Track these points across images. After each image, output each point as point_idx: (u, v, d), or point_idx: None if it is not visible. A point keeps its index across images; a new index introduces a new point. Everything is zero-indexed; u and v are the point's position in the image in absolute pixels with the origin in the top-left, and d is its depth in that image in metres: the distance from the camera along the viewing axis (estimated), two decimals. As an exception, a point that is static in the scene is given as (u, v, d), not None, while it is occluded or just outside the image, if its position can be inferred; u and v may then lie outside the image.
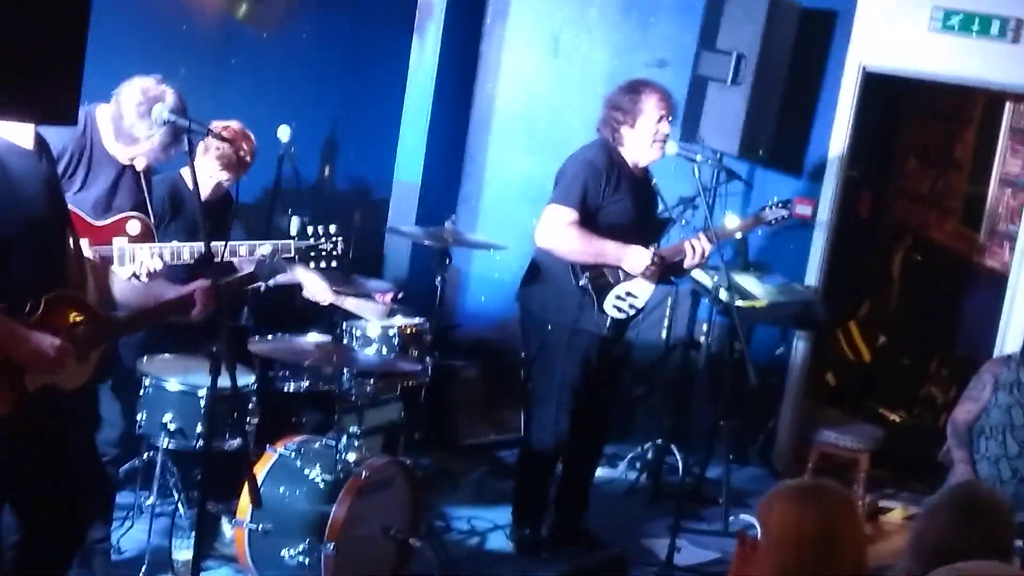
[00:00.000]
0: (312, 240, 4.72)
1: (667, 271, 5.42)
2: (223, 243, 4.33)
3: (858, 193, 9.06)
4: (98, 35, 4.35)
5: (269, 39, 6.00)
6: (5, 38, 2.50)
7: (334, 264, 4.76)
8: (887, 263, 9.42)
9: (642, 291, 5.31)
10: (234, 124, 5.13)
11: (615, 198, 5.25)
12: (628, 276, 5.27)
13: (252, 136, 5.19)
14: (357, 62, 6.69)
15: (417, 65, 7.09)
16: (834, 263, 7.22)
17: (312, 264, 4.69)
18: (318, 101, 6.46)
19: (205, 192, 5.06)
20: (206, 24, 5.59)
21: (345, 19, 6.51)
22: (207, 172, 5.06)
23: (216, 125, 5.01)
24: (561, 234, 5.16)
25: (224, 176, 5.11)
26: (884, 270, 9.42)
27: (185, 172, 5.02)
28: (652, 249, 5.27)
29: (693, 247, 5.33)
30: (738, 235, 6.18)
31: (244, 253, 4.53)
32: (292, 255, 4.62)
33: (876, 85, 7.16)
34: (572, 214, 5.15)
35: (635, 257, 5.22)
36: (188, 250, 4.32)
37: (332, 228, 4.75)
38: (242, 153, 5.09)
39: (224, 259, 4.40)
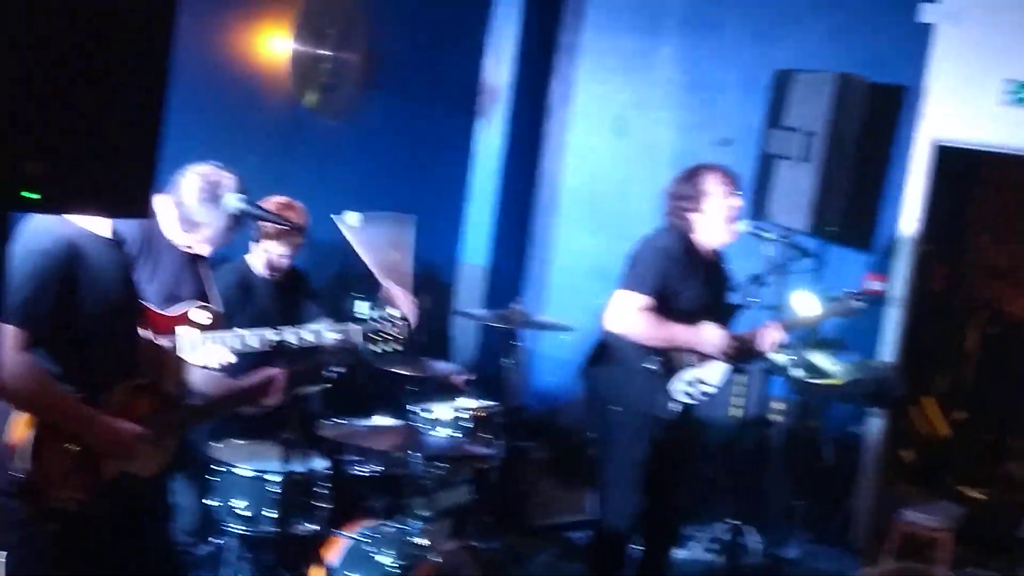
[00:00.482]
0: (379, 324, 4.74)
1: (738, 357, 5.35)
2: (289, 327, 4.33)
3: (932, 267, 8.95)
4: (168, 123, 4.46)
5: (338, 127, 6.07)
6: (80, 130, 2.53)
7: (399, 348, 4.78)
8: (963, 338, 9.26)
9: (713, 376, 5.25)
10: (278, 198, 5.16)
11: (688, 284, 5.21)
12: (701, 360, 5.21)
13: (298, 206, 5.22)
14: (425, 148, 6.75)
15: (483, 148, 7.14)
16: (909, 339, 7.10)
17: (378, 348, 4.71)
18: (385, 185, 6.51)
19: (273, 268, 5.10)
20: (276, 112, 5.68)
21: (412, 106, 6.58)
22: (268, 250, 5.09)
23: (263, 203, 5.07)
24: (632, 319, 5.12)
25: (283, 248, 5.12)
26: (960, 345, 9.26)
27: (250, 258, 5.09)
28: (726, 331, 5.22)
29: (767, 335, 5.28)
30: (812, 324, 6.08)
31: (310, 339, 4.53)
32: (359, 340, 4.64)
33: (948, 159, 7.09)
34: (644, 299, 5.11)
35: (709, 337, 5.17)
36: (258, 339, 4.33)
37: (397, 312, 4.76)
38: (293, 220, 5.11)
39: (295, 345, 4.40)
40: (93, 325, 3.30)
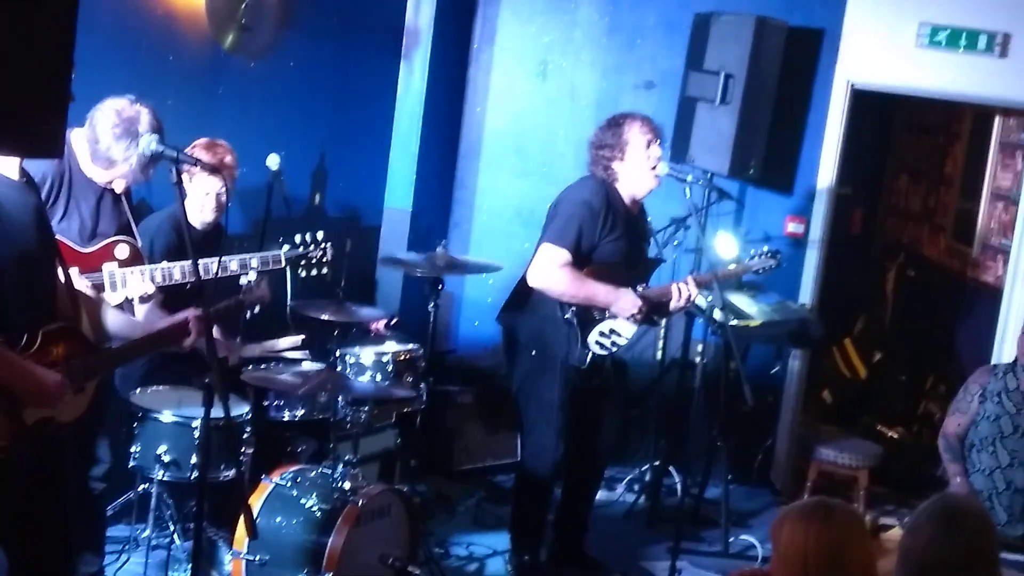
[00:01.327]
0: (301, 248, 4.74)
1: (652, 312, 5.41)
2: (214, 259, 4.29)
3: (850, 210, 9.07)
4: (84, 65, 4.36)
5: (256, 68, 5.99)
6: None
7: (324, 271, 4.78)
8: (880, 280, 9.42)
9: (626, 329, 5.30)
10: (200, 140, 5.09)
11: (609, 237, 5.24)
12: (614, 314, 5.26)
13: (220, 140, 5.16)
14: (345, 90, 6.68)
15: (405, 91, 7.09)
16: (827, 281, 7.22)
17: (303, 272, 4.71)
18: (306, 130, 6.44)
19: (208, 212, 5.02)
20: (193, 54, 5.58)
21: (332, 47, 6.50)
22: (204, 190, 5.00)
23: (187, 149, 4.99)
24: (554, 276, 5.15)
25: (218, 185, 5.03)
26: (878, 287, 9.43)
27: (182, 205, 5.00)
28: (640, 291, 5.26)
29: (680, 291, 5.34)
30: (725, 279, 6.14)
31: (235, 268, 4.51)
32: (283, 266, 4.63)
33: (865, 102, 7.18)
34: (565, 255, 5.13)
35: (624, 302, 5.22)
36: (179, 270, 4.29)
37: (319, 235, 4.76)
38: (220, 154, 5.03)
39: (218, 276, 4.36)
40: (4, 268, 3.23)
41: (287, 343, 5.31)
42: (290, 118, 6.29)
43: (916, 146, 9.72)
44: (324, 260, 4.81)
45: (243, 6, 5.69)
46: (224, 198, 5.00)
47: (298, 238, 4.76)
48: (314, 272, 4.82)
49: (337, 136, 6.69)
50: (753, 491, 7.13)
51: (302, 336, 5.32)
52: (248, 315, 4.59)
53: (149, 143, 3.84)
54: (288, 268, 4.75)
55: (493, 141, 7.49)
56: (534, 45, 7.37)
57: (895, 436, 7.98)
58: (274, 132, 6.07)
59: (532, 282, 5.20)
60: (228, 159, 5.07)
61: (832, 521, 2.83)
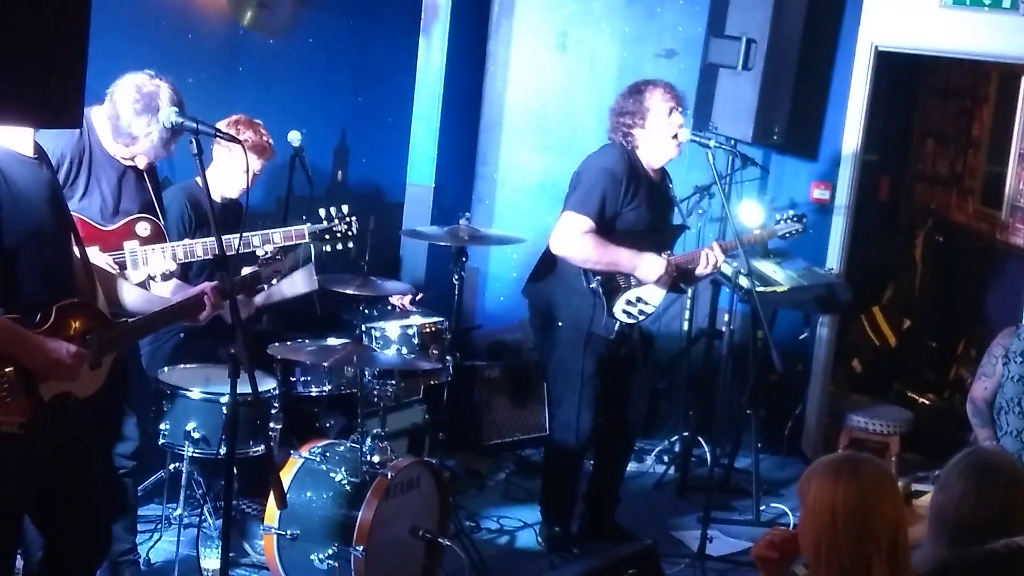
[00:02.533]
0: (325, 222, 4.71)
1: (679, 279, 5.38)
2: (236, 236, 4.28)
3: (876, 178, 8.99)
4: (104, 44, 4.37)
5: (276, 45, 5.98)
6: (5, 42, 2.48)
7: (350, 245, 4.76)
8: (909, 247, 9.34)
9: (653, 297, 5.27)
10: (239, 116, 5.09)
11: (632, 205, 5.21)
12: (640, 282, 5.23)
13: (256, 121, 5.15)
14: (365, 66, 6.66)
15: (425, 67, 7.06)
16: (854, 248, 7.16)
17: (328, 247, 4.68)
18: (327, 106, 6.43)
19: (236, 188, 5.02)
20: (212, 32, 5.57)
21: (351, 23, 6.48)
22: (242, 166, 4.97)
23: (225, 122, 5.00)
24: (576, 242, 5.12)
25: (258, 164, 5.05)
26: (906, 254, 9.34)
27: (199, 179, 4.99)
28: (666, 256, 5.23)
29: (706, 257, 5.31)
30: (751, 245, 6.10)
31: (258, 244, 4.49)
32: (306, 241, 4.61)
33: (889, 65, 7.10)
34: (588, 223, 5.11)
35: (650, 266, 5.18)
36: (201, 247, 4.28)
37: (345, 208, 4.74)
38: (265, 136, 5.07)
39: (240, 252, 4.35)
40: (18, 245, 3.23)
41: (295, 282, 5.25)
42: (310, 95, 6.28)
43: (942, 110, 9.61)
44: (349, 234, 4.78)
45: (262, -17, 5.69)
46: (256, 176, 5.04)
47: (323, 212, 4.74)
48: (339, 247, 4.79)
49: (358, 112, 6.68)
50: (784, 460, 7.10)
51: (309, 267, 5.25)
52: (268, 287, 4.54)
53: (169, 115, 3.83)
54: (312, 243, 4.73)
55: (514, 115, 7.45)
56: (553, 17, 7.33)
57: (926, 402, 7.91)
58: (294, 109, 6.06)
59: (555, 249, 5.18)
60: (270, 139, 5.10)
61: (861, 475, 2.78)
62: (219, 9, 5.57)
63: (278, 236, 4.55)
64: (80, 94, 2.65)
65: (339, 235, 4.75)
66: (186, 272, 4.51)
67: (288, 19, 6.01)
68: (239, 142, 3.90)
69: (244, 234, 4.37)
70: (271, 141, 5.15)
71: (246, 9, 5.71)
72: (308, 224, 4.71)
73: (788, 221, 5.68)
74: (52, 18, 2.57)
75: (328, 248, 4.76)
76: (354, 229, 4.79)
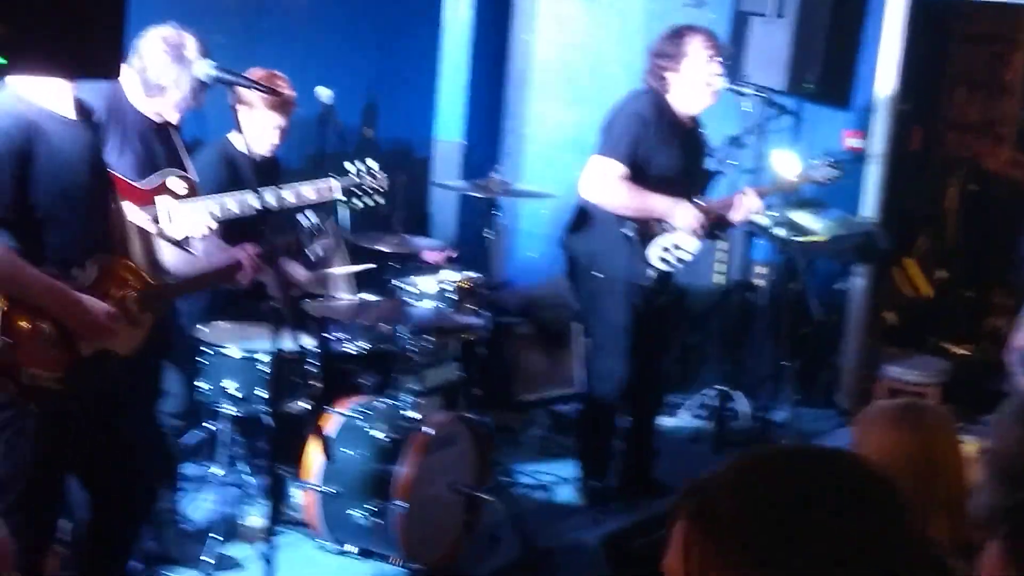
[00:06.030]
0: (355, 177, 4.65)
1: (714, 226, 5.32)
2: (267, 189, 4.23)
3: (909, 127, 8.87)
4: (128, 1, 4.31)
5: (303, 1, 5.92)
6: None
7: (380, 200, 4.70)
8: (942, 196, 9.23)
9: (689, 244, 5.22)
10: (258, 70, 5.01)
11: (663, 149, 5.15)
12: (675, 228, 5.18)
13: (281, 75, 5.07)
14: (390, 22, 6.60)
15: (451, 21, 6.99)
16: (889, 198, 7.07)
17: (358, 202, 4.62)
18: (353, 62, 6.37)
19: (266, 146, 4.96)
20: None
21: (376, -22, 6.42)
22: (265, 124, 4.93)
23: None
24: (608, 188, 5.07)
25: (281, 121, 4.98)
26: (939, 204, 9.24)
27: (233, 136, 4.94)
28: (700, 203, 5.17)
29: (741, 202, 5.25)
30: (786, 190, 6.04)
31: (291, 199, 4.42)
32: (338, 196, 4.55)
33: (922, 11, 6.98)
34: (620, 167, 5.05)
35: (683, 214, 5.13)
36: (236, 203, 4.22)
37: (373, 164, 4.67)
38: (283, 88, 4.99)
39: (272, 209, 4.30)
40: (57, 203, 3.23)
41: (337, 285, 5.27)
42: (337, 51, 6.23)
43: (973, 56, 9.46)
44: (378, 189, 4.73)
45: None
46: (284, 132, 4.97)
47: (350, 167, 4.67)
48: (369, 202, 4.74)
49: (383, 68, 6.62)
50: (820, 412, 7.04)
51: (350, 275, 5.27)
52: (311, 255, 4.50)
53: (205, 68, 3.78)
54: (342, 198, 4.67)
55: (542, 69, 7.38)
56: (580, -32, 7.24)
57: (962, 353, 7.84)
58: (321, 66, 6.00)
59: (584, 195, 5.14)
60: (289, 92, 5.01)
61: (924, 423, 2.74)
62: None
63: (309, 190, 4.49)
64: (119, 45, 2.62)
65: (369, 190, 4.69)
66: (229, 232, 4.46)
67: (314, -26, 5.95)
68: (278, 94, 3.83)
69: (276, 186, 4.31)
70: (293, 94, 5.05)
71: (272, -36, 5.65)
72: (337, 177, 4.64)
73: (824, 167, 5.61)
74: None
75: (359, 204, 4.71)
76: (384, 184, 4.73)
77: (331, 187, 4.56)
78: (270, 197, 4.17)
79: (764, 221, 5.87)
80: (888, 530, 1.36)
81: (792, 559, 1.34)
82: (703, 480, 1.48)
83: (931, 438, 2.71)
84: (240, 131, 3.70)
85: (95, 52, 2.57)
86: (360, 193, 4.68)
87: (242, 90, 4.66)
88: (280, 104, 4.92)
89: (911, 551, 1.37)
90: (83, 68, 2.62)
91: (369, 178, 4.69)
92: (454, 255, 5.98)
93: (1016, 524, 1.79)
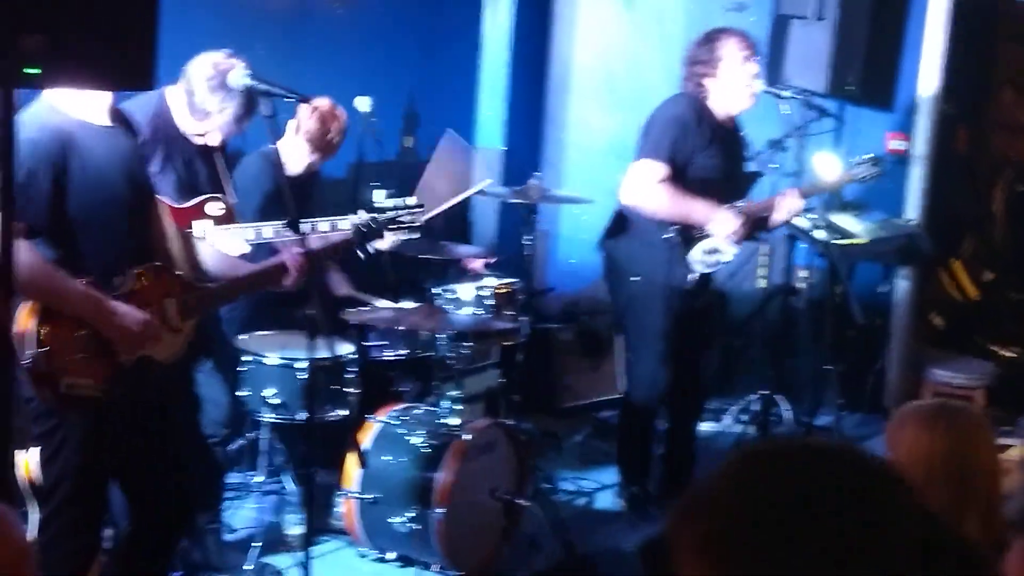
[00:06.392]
0: (392, 212, 4.66)
1: (755, 228, 5.30)
2: (304, 220, 4.27)
3: (954, 129, 8.78)
4: (176, 18, 4.36)
5: (343, 13, 5.97)
6: (78, 7, 2.48)
7: (416, 235, 4.71)
8: (988, 198, 9.12)
9: (729, 247, 5.20)
10: (324, 101, 5.08)
11: (703, 153, 5.14)
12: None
13: (342, 115, 5.14)
14: (430, 31, 6.64)
15: (491, 30, 7.02)
16: (934, 200, 7.00)
17: (393, 235, 4.65)
18: (394, 72, 6.42)
19: (296, 169, 5.04)
20: (281, 1, 5.57)
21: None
22: (297, 153, 5.03)
23: (313, 101, 5.00)
24: (649, 191, 5.07)
25: (313, 158, 5.08)
26: (985, 206, 9.13)
27: (282, 147, 5.01)
28: (740, 206, 5.15)
29: (782, 203, 5.22)
30: (828, 190, 6.00)
31: (326, 229, 4.45)
32: (375, 227, 4.56)
33: (965, 12, 6.90)
34: (661, 170, 5.05)
35: (722, 222, 5.11)
36: (271, 229, 4.27)
37: (412, 200, 4.69)
38: (330, 135, 5.06)
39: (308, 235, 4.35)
40: (94, 212, 3.28)
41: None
42: (378, 61, 6.28)
43: (1020, 57, 9.36)
44: (415, 224, 4.71)
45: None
46: (314, 166, 5.06)
47: (390, 202, 4.62)
48: (405, 236, 4.72)
49: (425, 78, 6.66)
50: (865, 417, 6.97)
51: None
52: (362, 254, 4.52)
53: (240, 76, 3.81)
54: (380, 228, 4.68)
55: (582, 75, 7.38)
56: (619, -26, 7.24)
57: (1010, 355, 7.74)
58: (363, 76, 6.06)
59: (626, 199, 5.14)
60: (335, 140, 5.09)
61: (958, 424, 2.70)
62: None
63: (345, 224, 4.49)
64: (152, 56, 2.64)
65: (404, 225, 4.69)
66: None
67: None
68: (306, 100, 3.85)
69: (313, 220, 4.33)
70: (334, 141, 5.11)
71: (312, -24, 5.70)
72: (371, 214, 4.63)
73: (864, 165, 5.56)
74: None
75: (394, 236, 4.71)
76: (420, 220, 4.71)
77: (367, 222, 4.57)
78: (306, 228, 4.20)
79: (805, 224, 5.83)
80: (890, 527, 1.34)
81: (792, 561, 1.32)
82: (702, 483, 1.46)
83: (965, 439, 2.68)
84: (275, 141, 3.73)
85: (129, 63, 2.60)
86: (396, 227, 4.68)
87: (299, 109, 4.79)
88: (317, 145, 4.99)
89: (920, 545, 1.34)
90: (117, 79, 2.65)
91: (406, 212, 4.69)
92: (493, 261, 5.99)
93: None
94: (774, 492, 1.35)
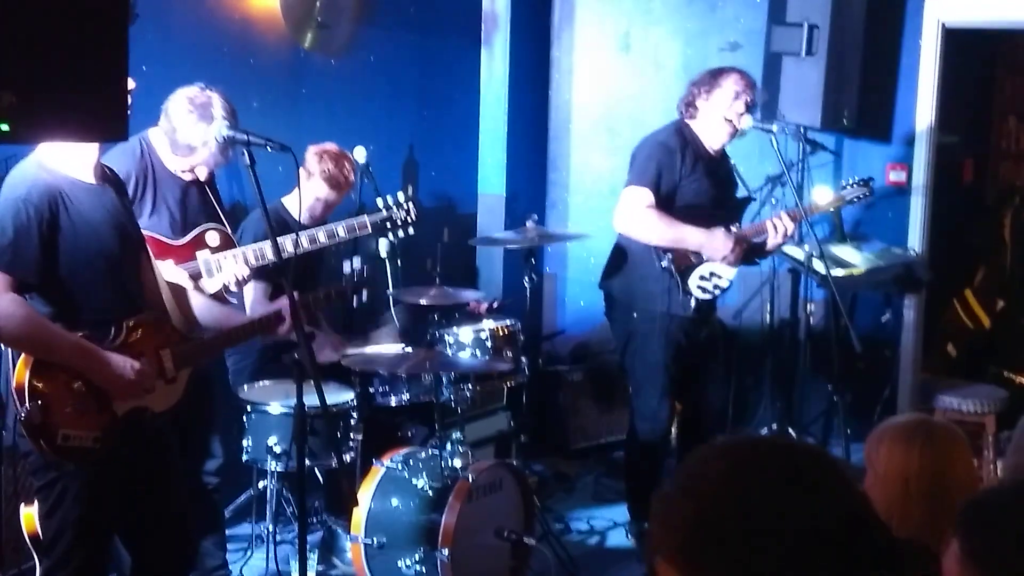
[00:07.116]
0: (384, 212, 4.79)
1: (750, 253, 5.33)
2: (304, 231, 4.39)
3: (959, 160, 8.81)
4: (169, 72, 4.49)
5: (337, 65, 6.06)
6: (47, 61, 2.55)
7: (411, 231, 4.82)
8: (997, 227, 9.12)
9: (726, 271, 5.23)
10: (331, 146, 5.20)
11: (691, 178, 5.20)
12: (709, 257, 5.21)
13: (348, 154, 5.26)
14: (428, 81, 6.73)
15: (488, 77, 7.11)
16: (940, 230, 7.01)
17: (391, 235, 4.76)
18: (393, 123, 6.50)
19: (315, 213, 5.13)
20: (274, 55, 5.67)
21: (411, 39, 6.55)
22: (315, 194, 5.12)
23: (316, 148, 5.11)
24: (640, 218, 5.12)
25: (332, 196, 5.17)
26: (995, 234, 9.13)
27: (286, 200, 5.12)
28: (733, 230, 5.20)
29: (775, 226, 5.25)
30: (821, 213, 6.03)
31: (323, 239, 4.57)
32: (369, 232, 4.68)
33: (961, 42, 6.95)
34: (647, 195, 5.11)
35: (716, 244, 5.14)
36: (271, 249, 4.33)
37: (401, 196, 4.82)
38: (346, 172, 5.17)
39: (307, 248, 4.46)
40: (85, 267, 3.34)
41: (380, 338, 5.39)
42: (375, 113, 6.36)
43: (1021, 86, 9.39)
44: (409, 220, 4.86)
45: (318, 4, 5.77)
46: (330, 207, 5.15)
47: (380, 201, 4.82)
48: (401, 234, 4.87)
49: (424, 127, 6.74)
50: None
51: (394, 326, 5.37)
52: (355, 302, 4.60)
53: (220, 128, 3.91)
54: (375, 233, 4.81)
55: (582, 119, 7.46)
56: (614, 18, 7.33)
57: (1022, 381, 7.71)
58: (360, 128, 6.13)
59: (618, 228, 5.20)
60: (351, 177, 5.20)
61: (935, 440, 2.73)
62: (280, 33, 5.67)
63: (342, 229, 4.64)
64: (123, 105, 2.71)
65: (400, 222, 4.83)
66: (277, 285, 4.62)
67: (348, 39, 6.10)
68: (288, 149, 3.94)
69: (312, 232, 4.47)
70: (350, 177, 5.22)
71: (306, 31, 5.81)
72: (368, 215, 4.79)
73: (855, 186, 5.57)
74: (89, 32, 2.62)
75: (391, 237, 4.84)
76: (413, 215, 4.86)
77: (363, 223, 4.70)
78: (304, 239, 4.31)
79: (802, 255, 5.86)
80: (819, 503, 1.42)
81: (743, 555, 1.39)
82: (661, 491, 1.54)
83: (942, 455, 2.70)
84: (256, 186, 3.79)
85: (101, 114, 2.66)
86: (391, 226, 4.81)
87: (307, 156, 4.90)
88: (336, 182, 5.09)
89: (845, 519, 1.42)
90: (89, 131, 2.72)
91: (398, 210, 4.82)
92: (495, 305, 6.05)
93: (968, 521, 1.80)
94: (722, 496, 1.44)
